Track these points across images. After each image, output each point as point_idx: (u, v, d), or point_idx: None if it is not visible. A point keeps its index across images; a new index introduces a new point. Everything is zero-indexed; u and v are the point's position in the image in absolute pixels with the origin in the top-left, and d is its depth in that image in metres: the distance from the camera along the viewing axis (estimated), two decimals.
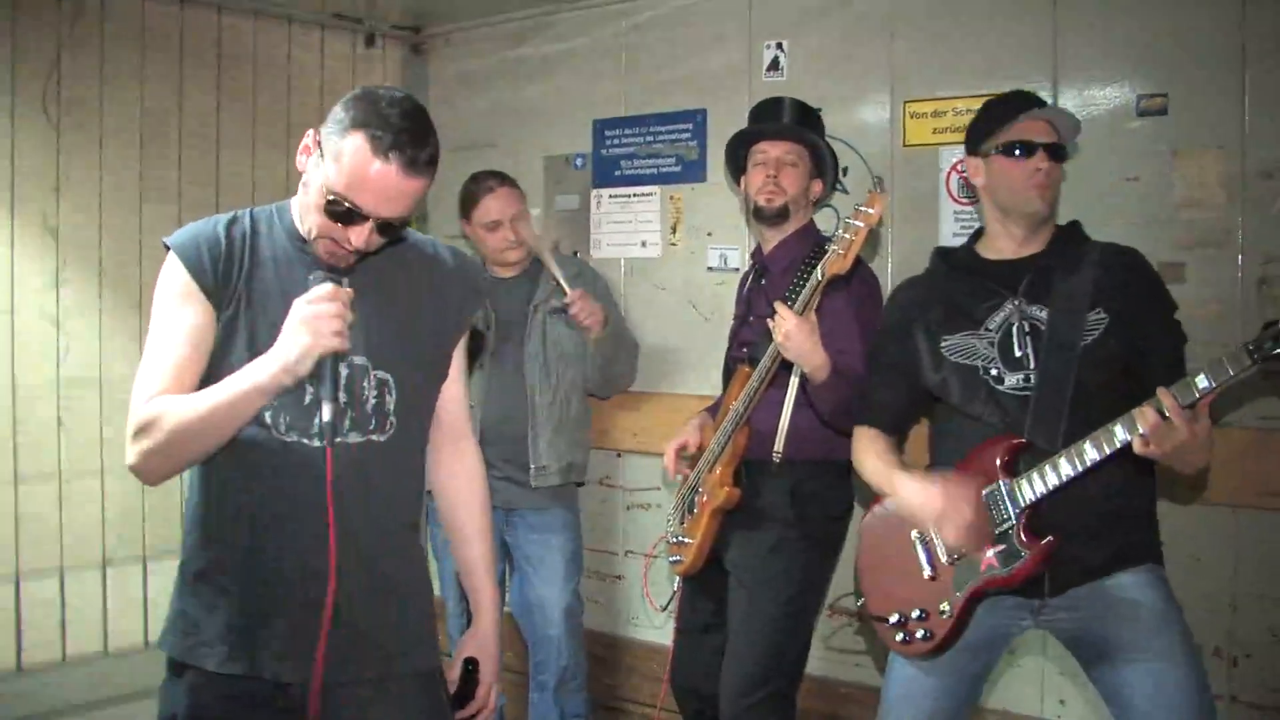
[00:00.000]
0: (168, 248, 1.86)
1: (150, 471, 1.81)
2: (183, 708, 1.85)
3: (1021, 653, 3.06)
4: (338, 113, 1.77)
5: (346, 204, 1.76)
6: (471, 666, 2.09)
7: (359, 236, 1.79)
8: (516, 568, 3.57)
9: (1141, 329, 2.23)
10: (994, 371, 2.31)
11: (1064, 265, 2.32)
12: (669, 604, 3.12)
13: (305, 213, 1.84)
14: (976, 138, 2.42)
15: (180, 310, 1.83)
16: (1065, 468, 2.13)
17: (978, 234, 2.49)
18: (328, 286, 1.75)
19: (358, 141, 1.73)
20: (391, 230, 1.83)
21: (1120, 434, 2.05)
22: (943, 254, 2.53)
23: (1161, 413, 1.98)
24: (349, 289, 1.77)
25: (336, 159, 1.75)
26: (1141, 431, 1.99)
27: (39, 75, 3.36)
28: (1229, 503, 2.78)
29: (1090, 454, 2.10)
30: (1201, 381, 1.96)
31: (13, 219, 3.37)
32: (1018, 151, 2.31)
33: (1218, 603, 2.78)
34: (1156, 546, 2.31)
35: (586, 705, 3.56)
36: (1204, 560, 2.61)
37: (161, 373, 1.79)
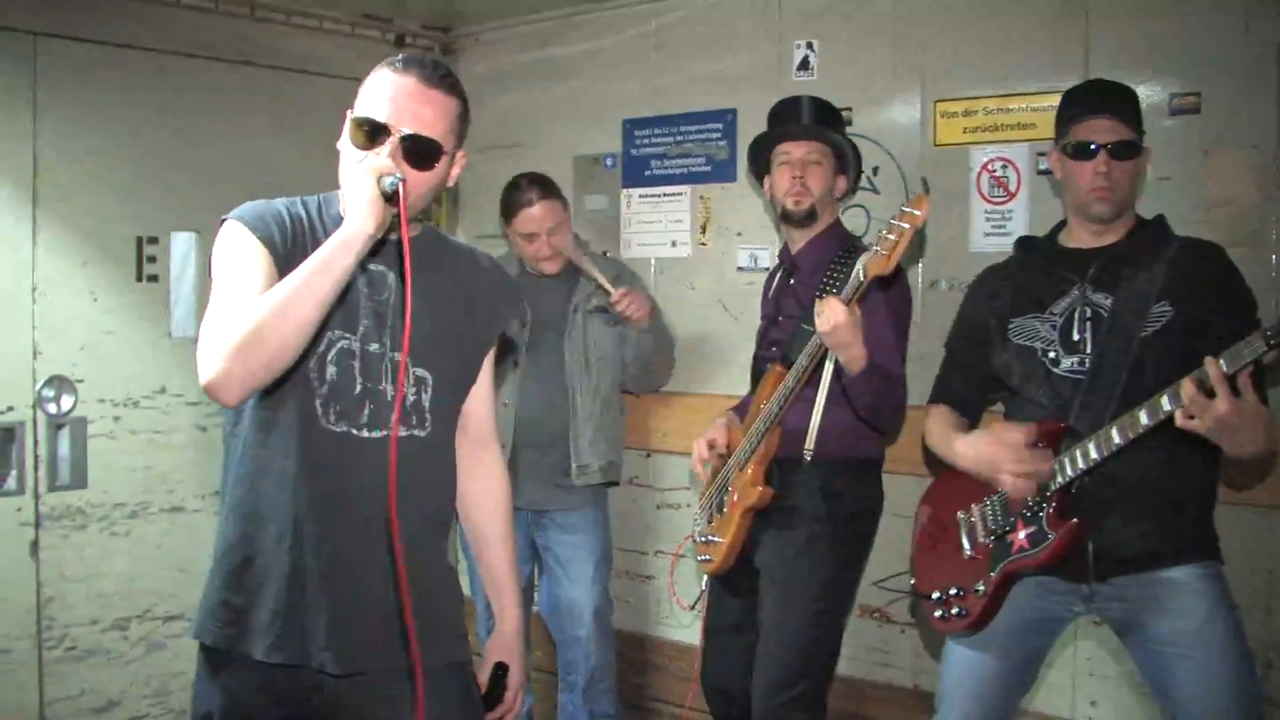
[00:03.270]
0: (224, 221, 1.84)
1: (232, 375, 1.64)
2: (218, 705, 1.86)
3: (1053, 654, 3.03)
4: None
5: (370, 121, 1.80)
6: (502, 672, 2.10)
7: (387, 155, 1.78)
8: (546, 569, 3.58)
9: (1204, 324, 2.19)
10: (1051, 354, 2.33)
11: (1137, 256, 2.31)
12: (696, 603, 3.13)
13: (345, 188, 1.82)
14: (1057, 131, 2.43)
15: (251, 262, 1.79)
16: (1093, 452, 2.14)
17: (1062, 223, 2.50)
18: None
19: (378, 71, 1.84)
20: (419, 157, 1.82)
21: (1144, 417, 2.04)
22: (1023, 242, 2.56)
23: (1203, 384, 1.94)
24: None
25: (361, 96, 1.84)
26: (1183, 402, 1.96)
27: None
28: (1259, 503, 2.75)
29: (1115, 438, 2.10)
30: (1220, 367, 1.93)
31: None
32: (1081, 152, 2.31)
33: (1250, 605, 2.74)
34: (1214, 543, 2.30)
35: (615, 706, 3.57)
36: (1235, 562, 2.58)
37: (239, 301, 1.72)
